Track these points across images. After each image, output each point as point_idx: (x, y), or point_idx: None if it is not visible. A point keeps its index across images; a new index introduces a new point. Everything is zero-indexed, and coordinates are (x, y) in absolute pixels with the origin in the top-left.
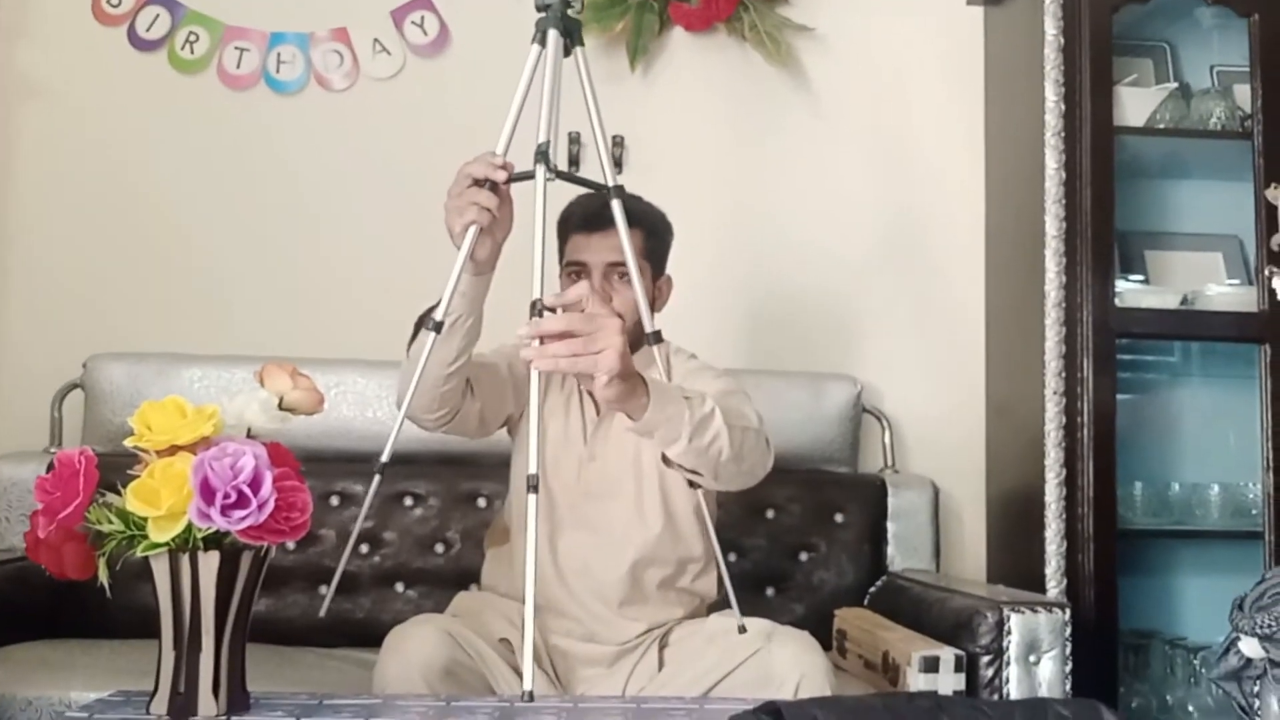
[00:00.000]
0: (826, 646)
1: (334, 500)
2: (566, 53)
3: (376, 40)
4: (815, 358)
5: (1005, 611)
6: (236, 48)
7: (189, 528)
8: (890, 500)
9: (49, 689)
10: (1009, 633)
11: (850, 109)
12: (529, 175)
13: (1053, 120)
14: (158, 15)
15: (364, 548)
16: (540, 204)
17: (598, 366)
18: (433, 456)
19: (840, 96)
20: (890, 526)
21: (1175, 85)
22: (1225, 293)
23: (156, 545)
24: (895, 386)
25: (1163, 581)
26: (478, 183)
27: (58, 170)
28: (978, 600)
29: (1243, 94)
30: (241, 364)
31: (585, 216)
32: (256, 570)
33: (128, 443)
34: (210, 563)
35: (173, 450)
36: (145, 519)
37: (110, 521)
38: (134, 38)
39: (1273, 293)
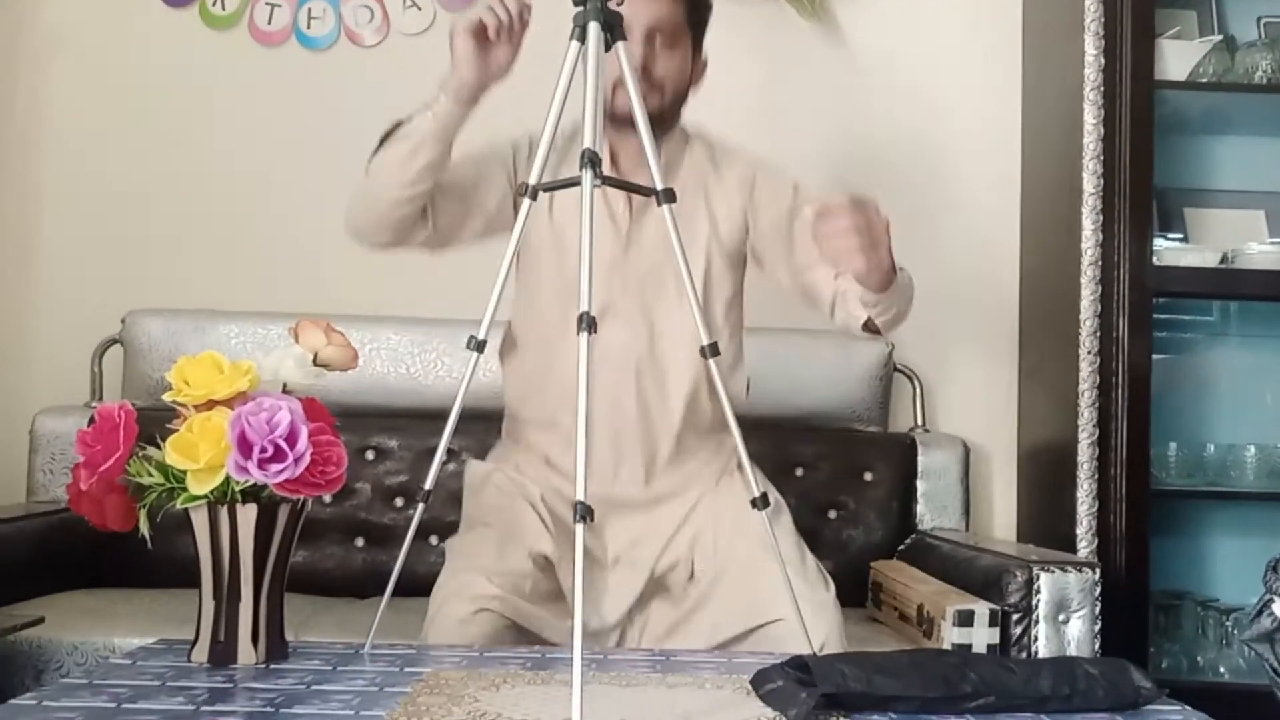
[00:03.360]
0: (859, 602)
1: (369, 455)
2: (607, 47)
3: None
4: None
5: (1035, 570)
6: (267, 3)
7: (227, 480)
8: (920, 459)
9: (93, 635)
10: (1038, 591)
11: (885, 64)
12: (575, 182)
13: (1092, 74)
14: None
15: (398, 501)
16: (588, 213)
17: (877, 266)
18: (466, 413)
19: (875, 51)
20: (920, 485)
21: (1219, 38)
22: (1266, 251)
23: (196, 498)
24: (927, 344)
25: (1195, 543)
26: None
27: (90, 126)
28: (1007, 559)
29: None
30: (277, 320)
31: None
32: (294, 522)
33: (166, 397)
34: (248, 515)
35: (210, 405)
36: (184, 472)
37: (150, 474)
38: None
39: None
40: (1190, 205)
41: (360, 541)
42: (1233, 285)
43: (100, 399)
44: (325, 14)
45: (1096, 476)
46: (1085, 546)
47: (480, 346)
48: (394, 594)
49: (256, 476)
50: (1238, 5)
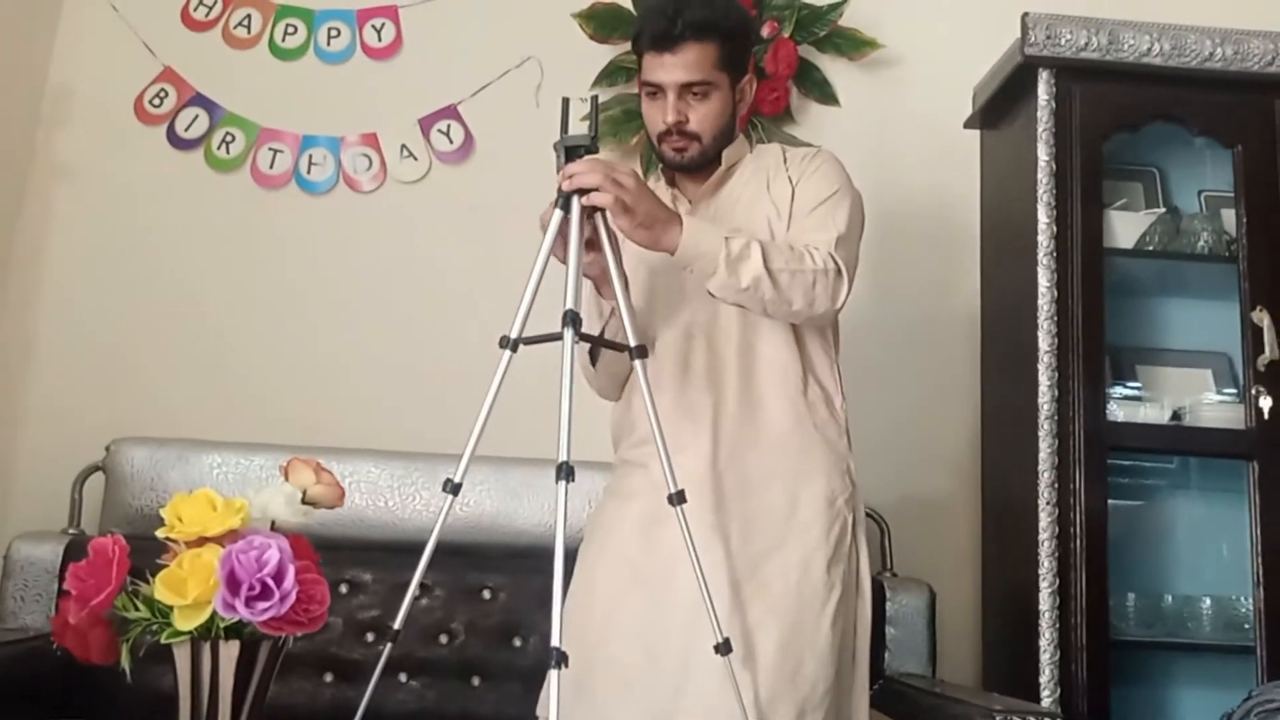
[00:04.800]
0: None
1: (343, 588)
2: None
3: (404, 146)
4: None
5: (998, 719)
6: (270, 149)
7: (213, 616)
8: (888, 605)
9: None
10: None
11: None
12: (556, 336)
13: (1045, 240)
14: (197, 116)
15: (369, 636)
16: (568, 365)
17: (614, 204)
18: (440, 547)
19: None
20: (889, 630)
21: (1164, 210)
22: (1215, 409)
23: (180, 633)
24: (892, 487)
25: (1155, 692)
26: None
27: (89, 255)
28: (973, 708)
29: (1229, 218)
30: (260, 451)
31: (654, 37)
32: (273, 660)
33: (159, 533)
34: (230, 651)
35: (201, 541)
36: (170, 607)
37: (136, 609)
38: (173, 136)
39: (1260, 411)
40: (1142, 363)
41: (329, 677)
42: (1184, 442)
43: (79, 526)
44: (325, 160)
45: (1058, 625)
46: (1049, 696)
47: (455, 489)
48: None
49: (243, 614)
50: (1180, 178)
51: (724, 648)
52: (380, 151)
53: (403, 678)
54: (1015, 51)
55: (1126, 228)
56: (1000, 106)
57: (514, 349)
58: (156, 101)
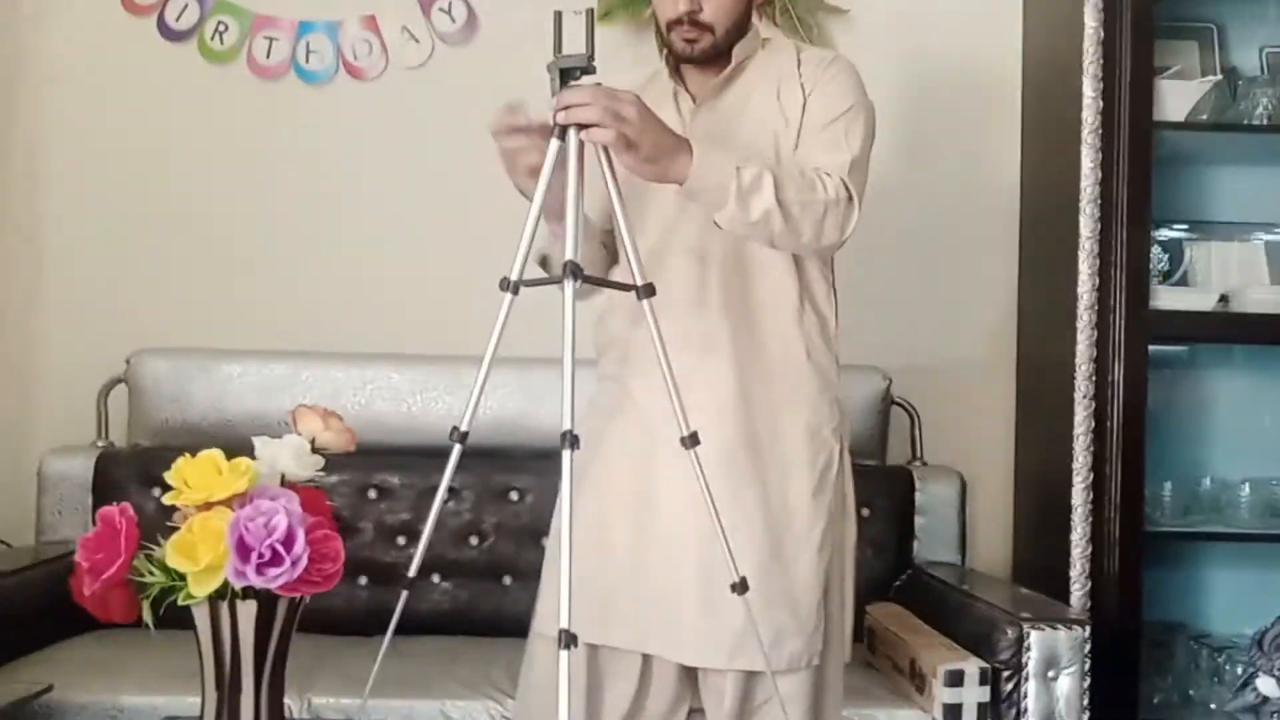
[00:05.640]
0: (856, 638)
1: (371, 493)
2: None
3: (405, 28)
4: (844, 345)
5: (1025, 628)
6: (266, 37)
7: (227, 580)
8: (918, 494)
9: (101, 694)
10: (1028, 649)
11: (882, 97)
12: (557, 280)
13: (1090, 117)
14: (186, 5)
15: (400, 540)
16: (569, 323)
17: (615, 140)
18: (469, 450)
19: (872, 82)
20: (917, 520)
21: (1219, 78)
22: (1265, 292)
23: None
24: (926, 376)
25: (1191, 582)
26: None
27: (88, 161)
28: (999, 612)
29: None
30: (280, 359)
31: None
32: (292, 615)
33: (166, 499)
34: (248, 611)
35: (209, 505)
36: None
37: (153, 573)
38: (164, 27)
39: None
40: (1190, 237)
41: (363, 580)
42: (1228, 330)
43: (107, 439)
44: (324, 47)
45: (1091, 520)
46: (1079, 589)
47: (463, 438)
48: (398, 633)
49: (255, 581)
50: (1240, 34)
51: (740, 586)
52: (380, 35)
53: (435, 578)
54: None
55: (1178, 98)
56: None
57: (515, 291)
58: None
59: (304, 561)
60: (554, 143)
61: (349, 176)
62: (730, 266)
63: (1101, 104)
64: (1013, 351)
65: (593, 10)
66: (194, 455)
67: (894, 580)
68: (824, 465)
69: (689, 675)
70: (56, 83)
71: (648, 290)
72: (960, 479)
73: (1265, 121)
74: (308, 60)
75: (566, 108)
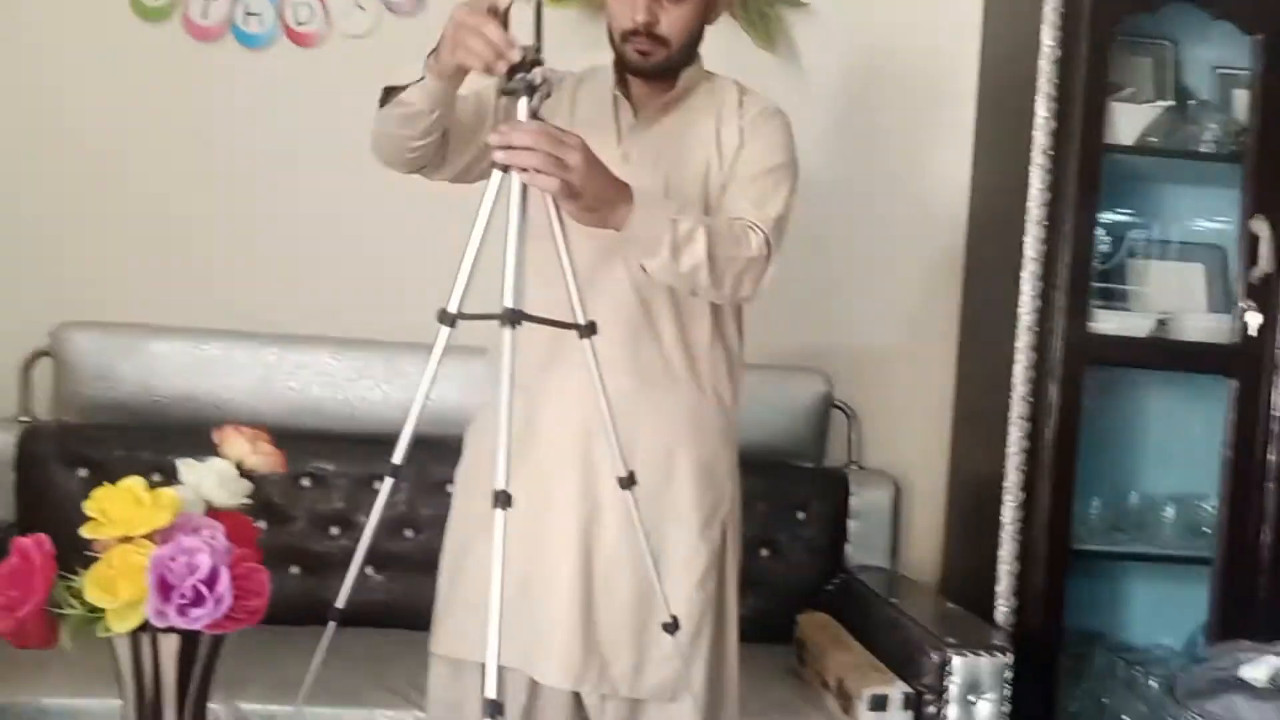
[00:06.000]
0: (785, 639)
1: (305, 481)
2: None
3: None
4: (787, 347)
5: (949, 653)
6: None
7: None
8: (852, 497)
9: (20, 694)
10: (951, 674)
11: (835, 94)
12: (494, 315)
13: (1041, 138)
14: None
15: (334, 529)
16: (506, 374)
17: (559, 189)
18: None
19: (826, 78)
20: (851, 524)
21: (1171, 103)
22: (1201, 320)
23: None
24: (866, 379)
25: (1114, 602)
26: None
27: (11, 121)
28: (925, 634)
29: (1242, 98)
30: (212, 339)
31: None
32: (215, 648)
33: (84, 532)
34: (170, 646)
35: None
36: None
37: (72, 605)
38: None
39: (1245, 327)
40: (1133, 255)
41: (295, 569)
42: (1165, 357)
43: (31, 414)
44: (264, 9)
45: (1019, 538)
46: (1004, 605)
47: (395, 472)
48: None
49: (177, 622)
50: (1195, 52)
51: (672, 626)
52: (323, 1)
53: (369, 570)
54: None
55: (1130, 121)
56: None
57: (452, 324)
58: None
59: (228, 600)
60: (496, 173)
61: (287, 148)
62: (645, 299)
63: (1054, 124)
64: (954, 361)
65: (540, 2)
66: (122, 433)
67: (825, 584)
68: (714, 501)
69: (580, 705)
70: None
71: (589, 329)
72: (894, 484)
73: (1213, 148)
74: (246, 22)
75: (509, 148)
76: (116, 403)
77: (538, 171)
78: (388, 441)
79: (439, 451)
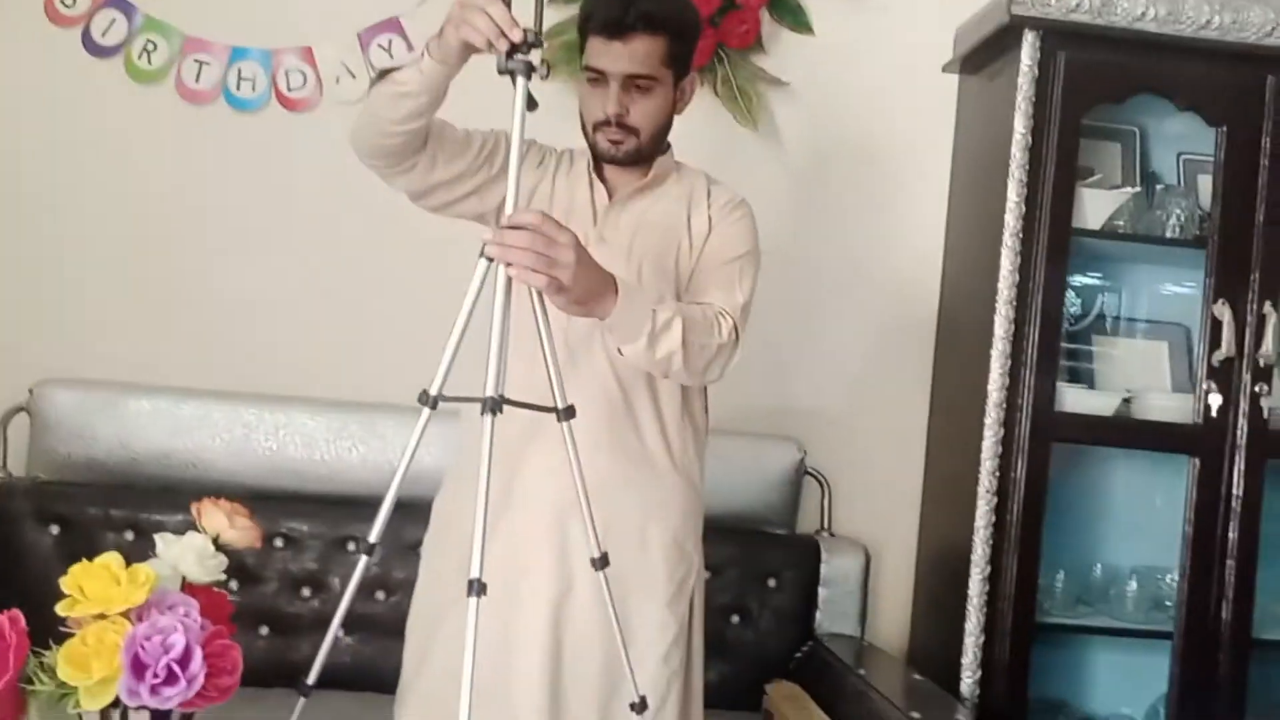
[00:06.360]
0: (755, 707)
1: (278, 542)
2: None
3: (343, 63)
4: (763, 416)
5: None
6: (196, 60)
7: None
8: (823, 566)
9: None
10: None
11: (813, 169)
12: (477, 400)
13: (1012, 220)
14: (114, 20)
15: (305, 591)
16: (487, 449)
17: (547, 286)
18: (379, 502)
19: (805, 154)
20: (821, 591)
21: (1138, 189)
22: (1164, 399)
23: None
24: (837, 447)
25: (1075, 658)
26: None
27: (2, 178)
28: (891, 709)
29: (1206, 184)
30: (190, 398)
31: (605, 22)
32: None
33: (60, 610)
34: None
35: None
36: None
37: (43, 681)
38: (89, 42)
39: (1208, 408)
40: (1099, 332)
41: (265, 630)
42: (1131, 436)
43: (5, 469)
44: (256, 75)
45: (985, 610)
46: (969, 677)
47: (370, 550)
48: (317, 686)
49: (149, 702)
50: (1161, 139)
51: (640, 705)
52: (316, 68)
53: (340, 633)
54: (1002, 4)
55: (1097, 206)
56: (981, 58)
57: (433, 406)
58: (69, 1)
59: (200, 680)
60: (482, 263)
61: (275, 211)
62: (623, 380)
63: (1024, 209)
64: (924, 433)
65: None
66: (97, 491)
67: (795, 651)
68: (682, 576)
69: None
70: None
71: (568, 413)
72: (865, 552)
73: (1177, 233)
74: (239, 87)
75: (502, 244)
76: (93, 460)
77: (528, 269)
78: (363, 503)
79: (413, 514)
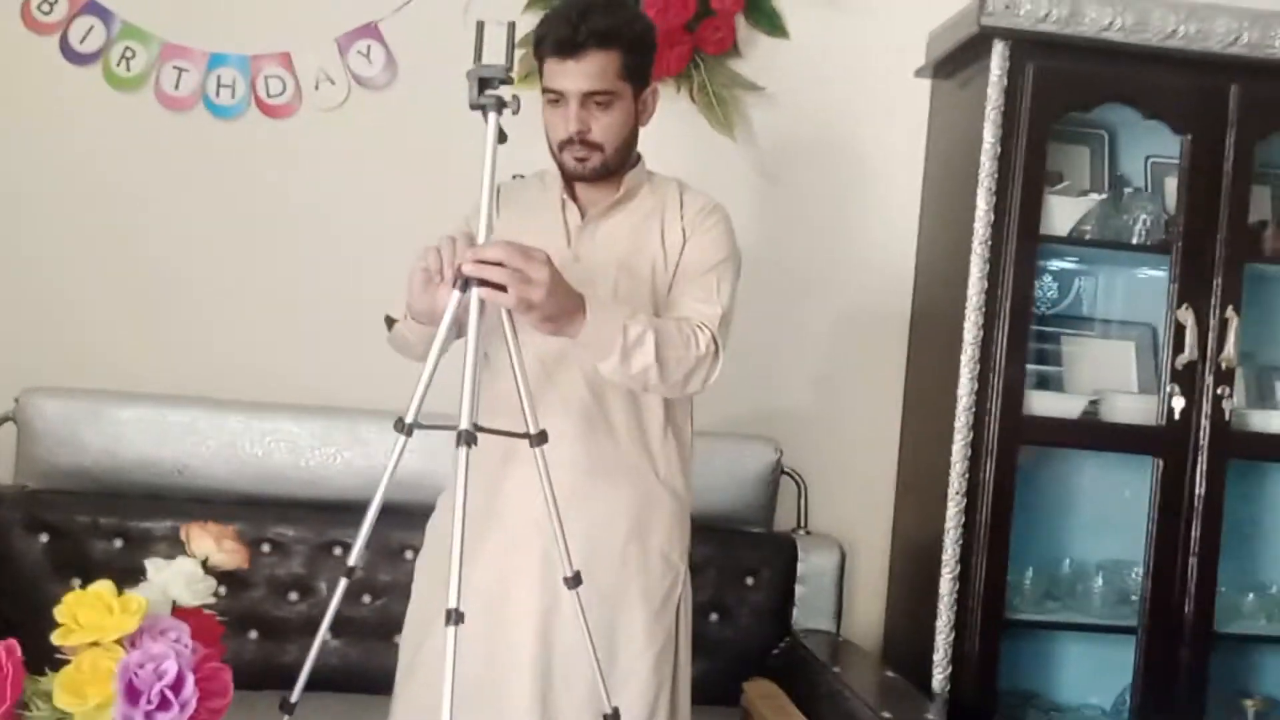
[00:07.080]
0: (734, 701)
1: (265, 547)
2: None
3: (322, 69)
4: (740, 417)
5: None
6: (175, 67)
7: None
8: (800, 562)
9: None
10: None
11: (788, 172)
12: (451, 426)
13: (981, 229)
14: (92, 27)
15: (293, 595)
16: (462, 481)
17: (518, 304)
18: (363, 507)
19: (781, 158)
20: (798, 588)
21: (1104, 195)
22: (1130, 401)
23: None
24: (812, 446)
25: (1044, 650)
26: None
27: None
28: (864, 708)
29: (1173, 186)
30: (176, 405)
31: (557, 43)
32: None
33: (55, 639)
34: None
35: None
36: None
37: (40, 708)
38: (67, 49)
39: (1171, 411)
40: (1067, 332)
41: (254, 634)
42: (1098, 437)
43: None
44: (235, 82)
45: (955, 608)
46: (940, 673)
47: (349, 573)
48: (286, 687)
49: None
50: (1129, 141)
51: (612, 718)
52: (294, 74)
53: (327, 635)
54: (972, 14)
55: (1065, 212)
56: (952, 65)
57: (409, 434)
58: (46, 8)
59: (192, 705)
60: (455, 294)
61: (256, 217)
62: (600, 394)
63: (993, 216)
64: (897, 432)
65: (513, 24)
66: (84, 499)
67: (773, 647)
68: (668, 587)
69: None
70: None
71: (540, 438)
72: (840, 549)
73: (1144, 238)
74: (218, 94)
75: (476, 260)
76: (80, 468)
77: (497, 288)
78: (348, 508)
79: (398, 518)
